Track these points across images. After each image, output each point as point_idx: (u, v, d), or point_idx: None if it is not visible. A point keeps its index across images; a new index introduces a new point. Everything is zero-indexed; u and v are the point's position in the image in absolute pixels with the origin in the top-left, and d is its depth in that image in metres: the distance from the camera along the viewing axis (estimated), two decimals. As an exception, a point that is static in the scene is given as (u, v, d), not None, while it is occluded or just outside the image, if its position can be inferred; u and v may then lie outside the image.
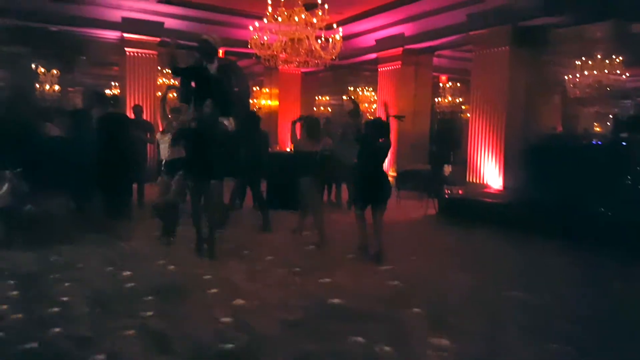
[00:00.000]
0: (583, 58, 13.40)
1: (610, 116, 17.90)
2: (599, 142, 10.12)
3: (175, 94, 8.31)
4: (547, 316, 4.37)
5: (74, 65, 18.07)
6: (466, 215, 8.54)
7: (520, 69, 10.00)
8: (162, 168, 6.43)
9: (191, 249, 6.18)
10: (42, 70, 17.95)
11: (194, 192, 6.17)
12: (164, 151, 6.35)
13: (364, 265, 5.84)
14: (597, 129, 18.67)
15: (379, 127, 6.33)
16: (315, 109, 19.99)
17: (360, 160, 6.49)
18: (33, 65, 17.31)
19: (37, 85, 18.31)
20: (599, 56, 13.16)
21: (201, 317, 4.14)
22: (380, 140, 6.24)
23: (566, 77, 14.34)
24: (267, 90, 16.61)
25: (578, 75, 13.83)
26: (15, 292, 4.60)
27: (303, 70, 14.88)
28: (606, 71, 13.33)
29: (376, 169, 6.28)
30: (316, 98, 20.27)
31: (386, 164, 12.19)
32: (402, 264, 5.90)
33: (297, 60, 10.02)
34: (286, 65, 11.38)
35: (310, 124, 7.10)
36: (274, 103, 16.34)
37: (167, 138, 6.25)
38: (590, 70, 13.46)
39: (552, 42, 10.65)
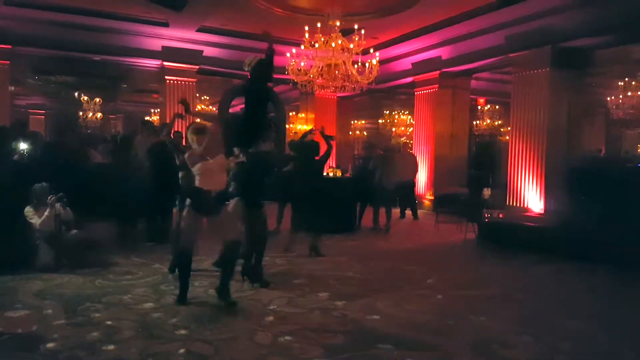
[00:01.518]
0: (626, 79, 13.10)
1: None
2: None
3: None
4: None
5: (116, 93, 18.66)
6: (507, 240, 8.34)
7: (561, 90, 9.82)
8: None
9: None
10: (86, 98, 18.58)
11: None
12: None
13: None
14: (642, 151, 18.15)
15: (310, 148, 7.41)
16: (350, 132, 20.04)
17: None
18: (77, 94, 17.95)
19: (81, 113, 18.96)
20: (642, 77, 12.88)
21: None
22: (316, 158, 7.33)
23: (609, 99, 14.04)
24: (303, 115, 16.73)
25: (621, 96, 13.53)
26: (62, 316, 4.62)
27: (339, 94, 14.94)
28: (651, 92, 13.01)
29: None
30: (351, 122, 20.35)
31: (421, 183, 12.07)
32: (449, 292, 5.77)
33: (334, 85, 10.05)
34: (322, 90, 11.43)
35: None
36: (310, 127, 16.43)
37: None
38: (634, 91, 13.14)
39: (594, 62, 10.44)
